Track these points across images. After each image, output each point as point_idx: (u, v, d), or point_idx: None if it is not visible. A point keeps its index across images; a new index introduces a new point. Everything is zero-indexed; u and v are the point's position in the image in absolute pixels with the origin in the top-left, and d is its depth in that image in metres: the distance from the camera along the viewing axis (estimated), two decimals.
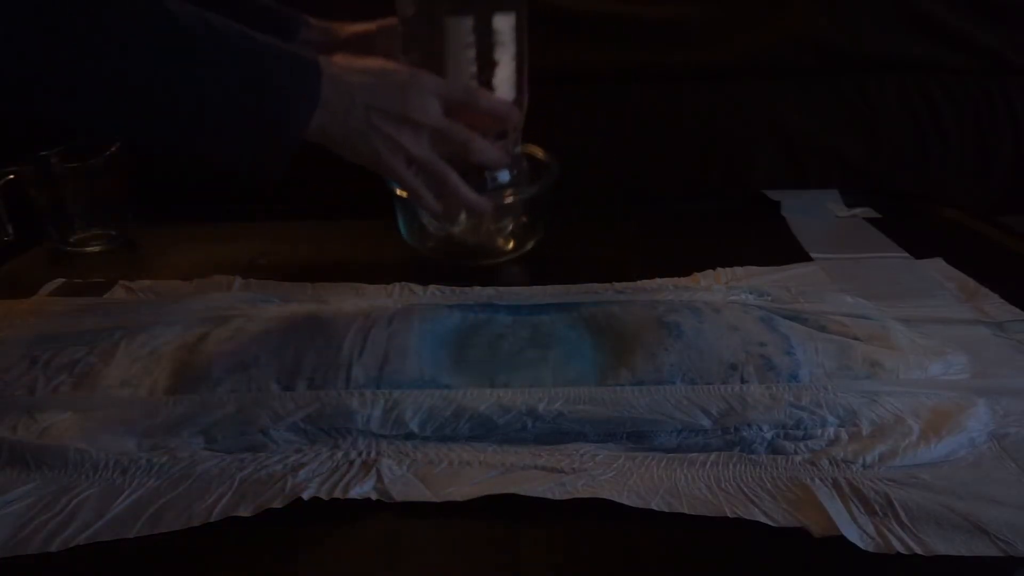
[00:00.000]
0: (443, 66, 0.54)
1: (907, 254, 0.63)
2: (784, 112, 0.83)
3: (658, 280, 0.57)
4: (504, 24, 0.54)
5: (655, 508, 0.35)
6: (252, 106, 0.45)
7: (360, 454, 0.39)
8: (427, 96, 0.50)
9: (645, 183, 0.83)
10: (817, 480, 0.36)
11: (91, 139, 0.65)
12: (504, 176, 0.59)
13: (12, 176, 0.64)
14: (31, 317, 0.52)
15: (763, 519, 0.34)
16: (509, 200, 0.58)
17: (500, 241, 0.62)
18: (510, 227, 0.63)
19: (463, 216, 0.60)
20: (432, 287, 0.56)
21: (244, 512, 0.35)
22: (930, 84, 0.82)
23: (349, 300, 0.54)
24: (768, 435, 0.39)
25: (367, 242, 0.67)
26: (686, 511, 0.35)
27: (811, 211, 0.74)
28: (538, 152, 0.63)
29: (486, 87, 0.55)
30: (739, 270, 0.59)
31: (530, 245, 0.63)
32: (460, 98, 0.52)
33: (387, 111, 0.49)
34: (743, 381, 0.42)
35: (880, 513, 0.34)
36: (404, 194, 0.58)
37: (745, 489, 0.36)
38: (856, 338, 0.46)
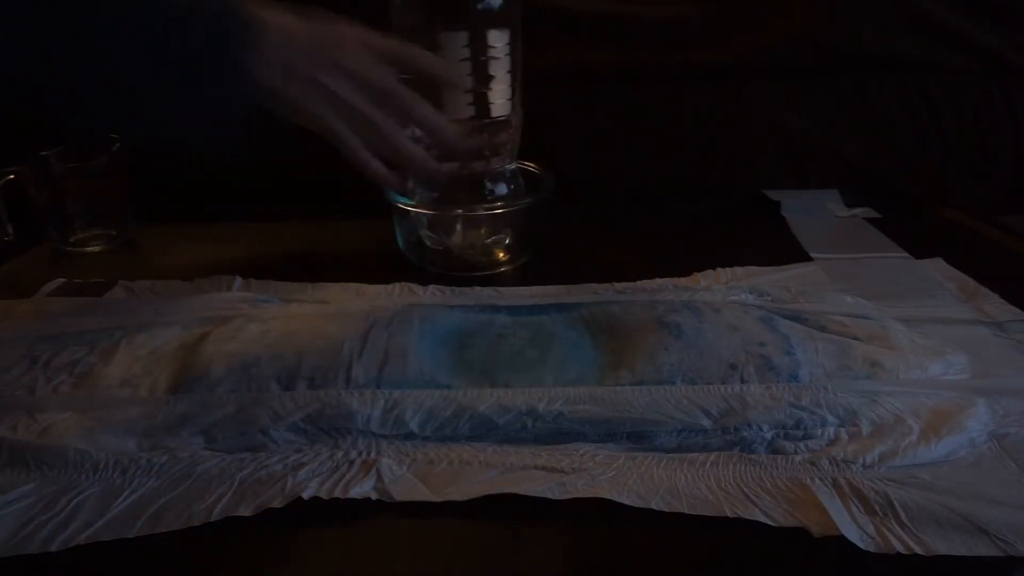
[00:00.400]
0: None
1: (907, 254, 0.63)
2: (784, 112, 0.83)
3: (658, 280, 0.57)
4: (499, 39, 0.54)
5: (655, 508, 0.35)
6: (191, 64, 0.43)
7: (360, 454, 0.39)
8: (362, 48, 0.48)
9: (645, 183, 0.83)
10: (817, 480, 0.37)
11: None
12: (501, 189, 0.60)
13: (12, 176, 0.64)
14: (31, 317, 0.52)
15: (763, 519, 0.34)
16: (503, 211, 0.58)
17: (497, 253, 0.63)
18: (506, 240, 0.63)
19: (459, 228, 0.61)
20: (432, 287, 0.56)
21: (244, 512, 0.35)
22: (930, 84, 0.82)
23: (349, 300, 0.54)
24: (768, 435, 0.39)
25: (367, 242, 0.67)
26: (686, 511, 0.35)
27: (811, 211, 0.74)
28: (532, 166, 0.64)
29: (481, 102, 0.55)
30: (739, 270, 0.59)
31: (525, 258, 0.63)
32: (395, 53, 0.49)
33: (326, 61, 0.47)
34: (743, 381, 0.42)
35: (880, 513, 0.34)
36: (405, 206, 0.58)
37: (745, 489, 0.36)
38: (856, 338, 0.46)
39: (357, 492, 0.36)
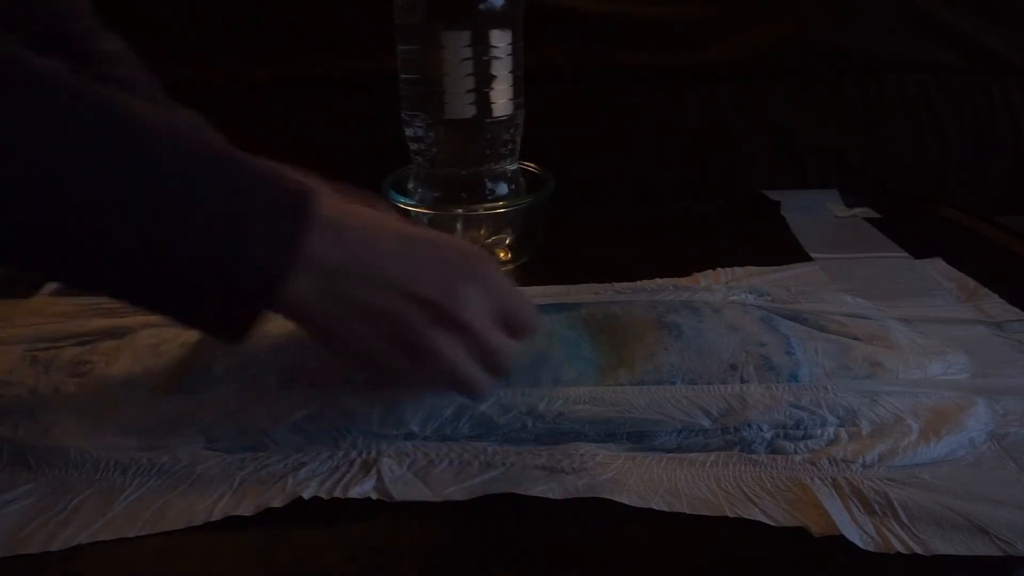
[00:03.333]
0: (441, 81, 0.54)
1: (907, 254, 0.63)
2: (784, 112, 0.83)
3: (658, 280, 0.57)
4: (501, 39, 0.54)
5: (655, 508, 0.35)
6: (207, 243, 0.31)
7: (360, 454, 0.39)
8: (482, 297, 0.35)
9: (645, 183, 0.84)
10: (817, 480, 0.37)
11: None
12: (501, 189, 0.60)
13: None
14: (32, 317, 0.52)
15: (763, 519, 0.34)
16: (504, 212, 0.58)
17: (497, 253, 0.63)
18: (507, 240, 0.63)
19: (459, 228, 0.61)
20: None
21: (244, 512, 0.35)
22: (930, 84, 0.83)
23: None
24: (768, 435, 0.39)
25: None
26: (686, 511, 0.35)
27: (811, 211, 0.74)
28: (532, 166, 0.64)
29: (483, 101, 0.55)
30: (739, 270, 0.59)
31: (525, 258, 0.63)
32: (512, 307, 0.37)
33: (428, 299, 0.34)
34: (743, 381, 0.42)
35: (880, 513, 0.34)
36: (405, 206, 0.58)
37: (745, 489, 0.36)
38: (856, 338, 0.46)
39: (357, 492, 0.36)
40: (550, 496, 0.36)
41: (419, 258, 0.35)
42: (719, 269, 0.59)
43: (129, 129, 0.30)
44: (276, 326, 0.46)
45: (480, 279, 0.36)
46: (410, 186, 0.62)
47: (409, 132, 0.60)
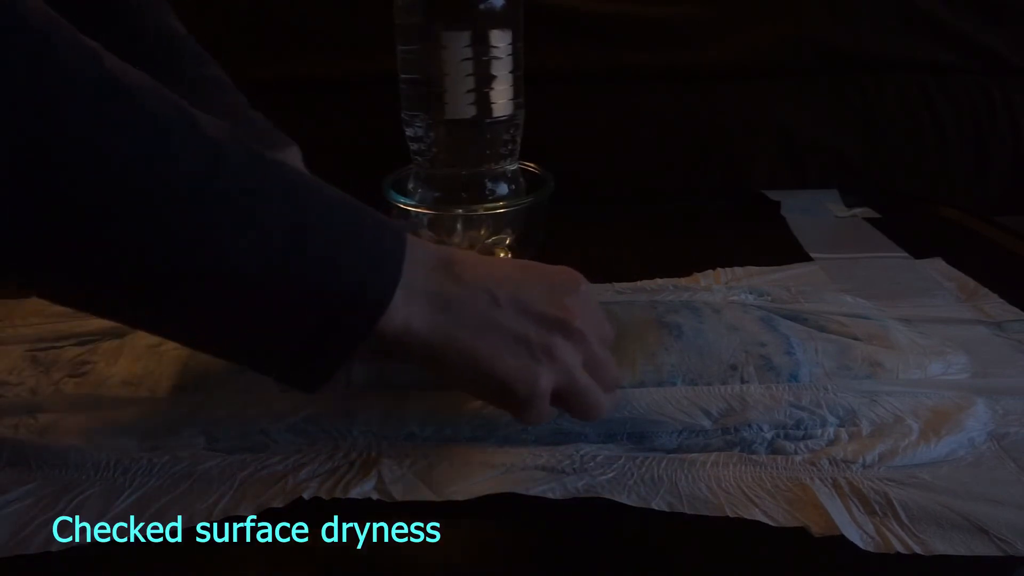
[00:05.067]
0: (441, 81, 0.54)
1: (907, 254, 0.63)
2: (784, 112, 0.83)
3: (658, 280, 0.57)
4: (501, 39, 0.54)
5: (655, 508, 0.35)
6: (298, 271, 0.30)
7: (360, 454, 0.39)
8: (597, 307, 0.37)
9: (645, 183, 0.84)
10: (817, 480, 0.37)
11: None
12: (501, 189, 0.60)
13: None
14: (32, 317, 0.52)
15: (763, 519, 0.34)
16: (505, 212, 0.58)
17: (497, 253, 0.63)
18: (507, 240, 0.63)
19: (459, 228, 0.61)
20: None
21: (244, 512, 0.35)
22: (930, 84, 0.83)
23: None
24: (768, 435, 0.39)
25: None
26: (686, 511, 0.35)
27: (811, 211, 0.74)
28: (532, 166, 0.64)
29: (483, 101, 0.55)
30: (739, 270, 0.59)
31: (526, 258, 0.63)
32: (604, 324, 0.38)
33: (545, 315, 0.35)
34: (743, 381, 0.42)
35: (880, 513, 0.34)
36: (405, 206, 0.58)
37: (745, 489, 0.36)
38: (856, 338, 0.46)
39: (357, 492, 0.36)
40: (550, 496, 0.36)
41: (528, 280, 0.36)
42: (719, 269, 0.59)
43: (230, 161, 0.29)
44: None
45: (583, 294, 0.37)
46: (410, 186, 0.62)
47: (409, 132, 0.60)
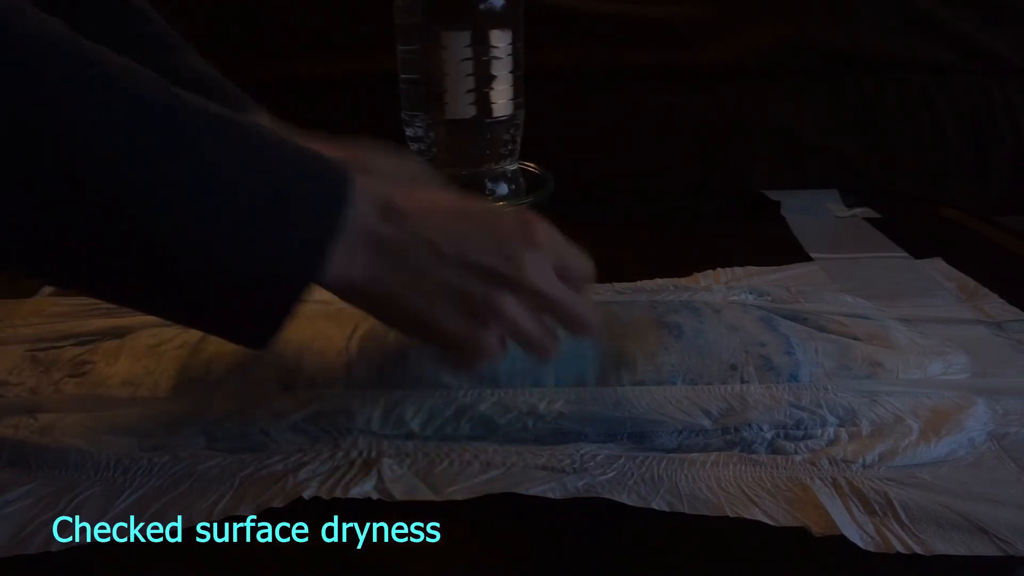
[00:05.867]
0: (441, 81, 0.54)
1: (907, 254, 0.63)
2: (784, 112, 0.83)
3: (658, 280, 0.57)
4: (501, 39, 0.54)
5: (655, 508, 0.35)
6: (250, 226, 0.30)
7: (361, 453, 0.39)
8: (544, 257, 0.36)
9: (645, 183, 0.84)
10: (817, 480, 0.37)
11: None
12: (501, 189, 0.60)
13: None
14: (32, 317, 0.52)
15: (763, 519, 0.34)
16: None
17: None
18: None
19: None
20: None
21: (244, 512, 0.35)
22: (930, 84, 0.83)
23: None
24: (768, 435, 0.39)
25: None
26: (686, 511, 0.35)
27: (811, 211, 0.74)
28: (532, 166, 0.64)
29: (483, 101, 0.55)
30: (739, 270, 0.59)
31: None
32: (564, 262, 0.37)
33: (486, 267, 0.34)
34: (743, 381, 0.42)
35: (880, 513, 0.34)
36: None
37: (745, 489, 0.36)
38: (856, 338, 0.46)
39: (357, 492, 0.36)
40: (550, 496, 0.36)
41: (472, 229, 0.35)
42: (719, 269, 0.59)
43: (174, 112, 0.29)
44: None
45: (534, 241, 0.35)
46: None
47: (409, 132, 0.60)
